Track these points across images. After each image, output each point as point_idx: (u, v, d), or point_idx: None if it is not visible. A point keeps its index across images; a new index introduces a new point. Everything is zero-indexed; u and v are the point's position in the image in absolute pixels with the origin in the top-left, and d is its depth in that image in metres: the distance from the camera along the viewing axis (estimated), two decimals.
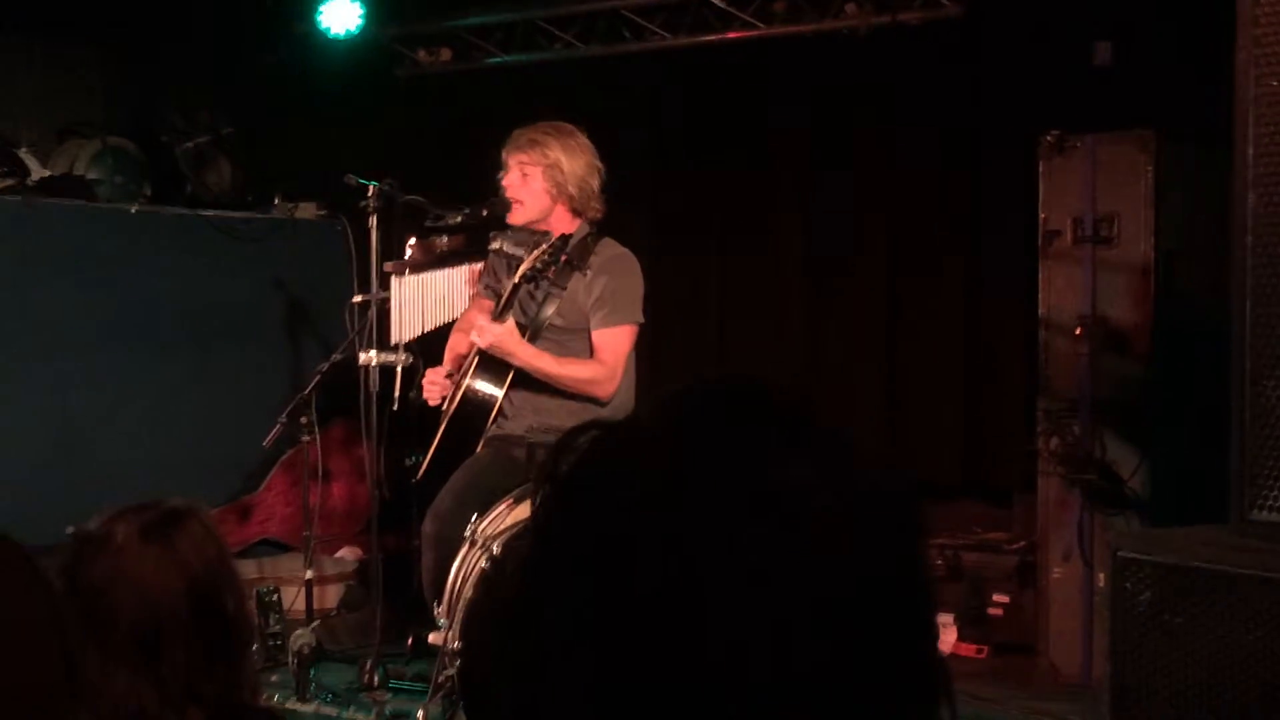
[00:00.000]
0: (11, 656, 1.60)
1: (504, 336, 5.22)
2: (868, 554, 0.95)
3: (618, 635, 0.92)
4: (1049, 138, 6.12)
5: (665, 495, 0.94)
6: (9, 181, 7.20)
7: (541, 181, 5.35)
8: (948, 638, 6.51)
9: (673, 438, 0.98)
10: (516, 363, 5.26)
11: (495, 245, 5.47)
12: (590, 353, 5.33)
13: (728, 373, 1.03)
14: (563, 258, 5.24)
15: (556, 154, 5.34)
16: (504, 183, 5.41)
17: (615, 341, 5.32)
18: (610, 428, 1.02)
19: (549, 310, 5.34)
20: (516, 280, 5.31)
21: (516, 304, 5.42)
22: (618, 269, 5.37)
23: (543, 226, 5.36)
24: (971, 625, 6.54)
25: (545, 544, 0.99)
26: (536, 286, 5.36)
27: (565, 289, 5.33)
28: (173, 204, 7.78)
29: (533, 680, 0.95)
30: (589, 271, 5.30)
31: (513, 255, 5.39)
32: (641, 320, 5.40)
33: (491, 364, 5.34)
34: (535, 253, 5.20)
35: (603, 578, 0.93)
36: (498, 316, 5.36)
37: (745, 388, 1.01)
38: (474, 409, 5.39)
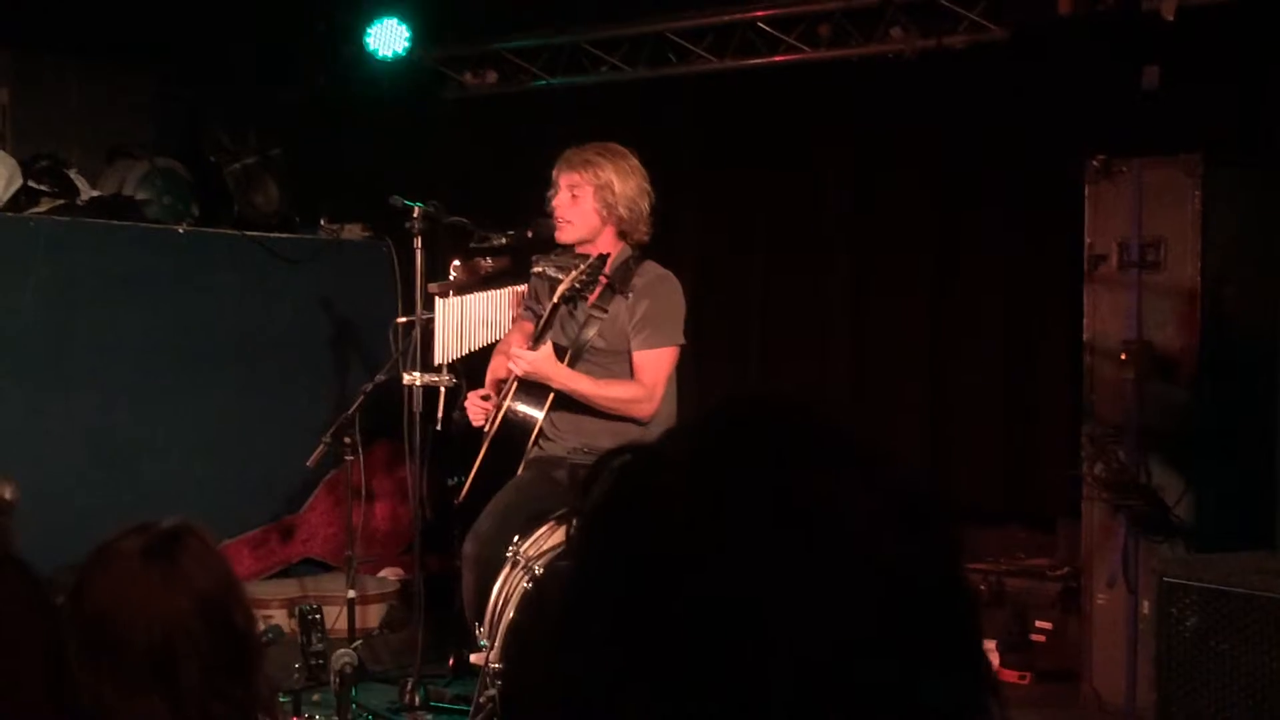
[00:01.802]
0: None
1: (539, 362, 5.22)
2: (915, 566, 0.95)
3: (670, 658, 0.91)
4: (1095, 162, 6.10)
5: (711, 514, 0.94)
6: (59, 201, 7.25)
7: (592, 202, 5.35)
8: (991, 664, 6.47)
9: (715, 456, 0.98)
10: (555, 386, 5.27)
11: (537, 268, 5.48)
12: (632, 374, 5.34)
13: (766, 391, 1.03)
14: (602, 278, 5.25)
15: (609, 175, 5.34)
16: (554, 202, 5.42)
17: (656, 363, 5.32)
18: (647, 449, 1.02)
19: (590, 332, 5.35)
20: (555, 301, 5.32)
21: (557, 325, 5.43)
22: (660, 290, 5.37)
23: (589, 248, 5.36)
24: (1014, 652, 6.50)
25: (587, 568, 0.99)
26: (575, 308, 5.36)
27: (607, 311, 5.33)
28: (220, 225, 7.83)
29: (581, 704, 0.95)
30: (631, 294, 5.30)
31: (554, 278, 5.41)
32: (683, 342, 5.40)
33: (532, 385, 5.35)
34: (573, 273, 5.21)
35: (651, 600, 0.93)
36: (537, 338, 5.37)
37: (785, 406, 1.02)
38: (515, 430, 5.40)
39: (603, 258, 5.26)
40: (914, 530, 0.96)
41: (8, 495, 2.58)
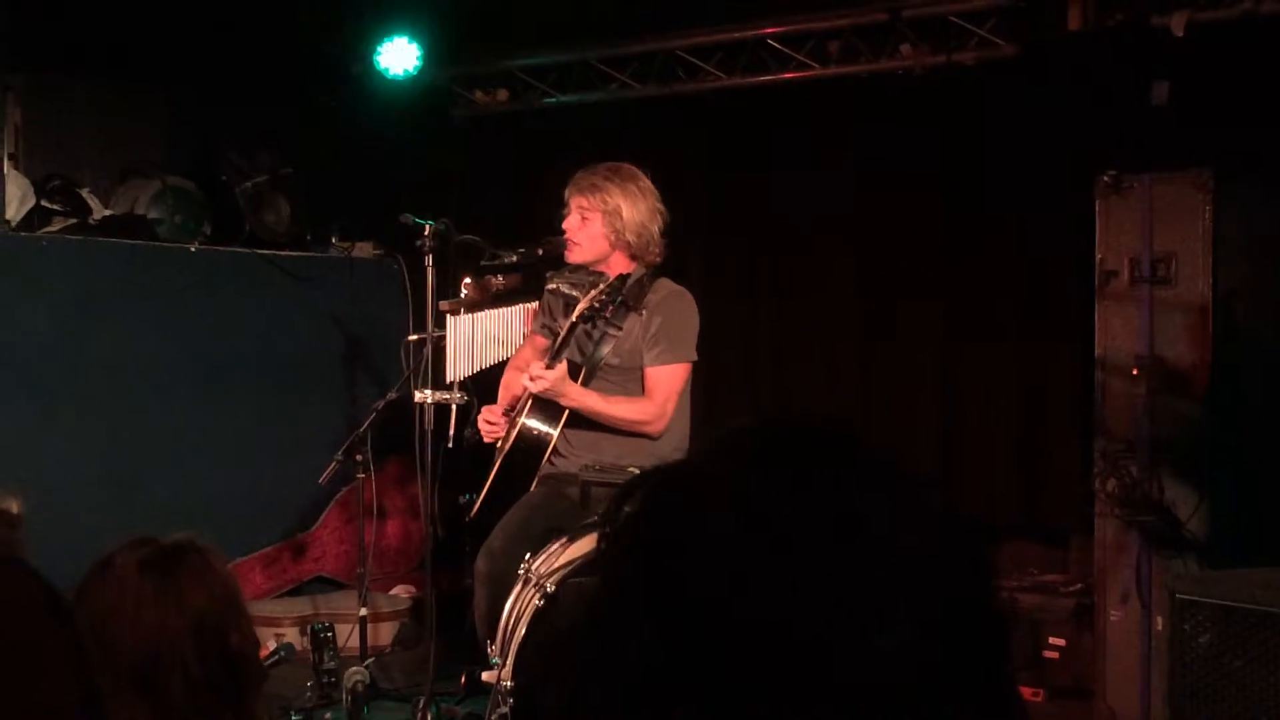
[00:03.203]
0: (27, 684, 1.61)
1: (555, 380, 5.23)
2: (951, 583, 0.95)
3: (710, 676, 0.91)
4: (1105, 177, 6.10)
5: (750, 533, 0.94)
6: (71, 221, 7.27)
7: (600, 227, 5.36)
8: None
9: (752, 477, 0.98)
10: (565, 403, 5.28)
11: (552, 285, 5.48)
12: (644, 390, 5.34)
13: (796, 413, 1.04)
14: (620, 298, 5.26)
15: (617, 200, 5.34)
16: (564, 224, 5.43)
17: (668, 379, 5.32)
18: (680, 469, 1.02)
19: (605, 350, 5.35)
20: (574, 319, 5.32)
21: (573, 343, 5.44)
22: (673, 307, 5.38)
23: (600, 268, 5.37)
24: (1028, 668, 6.47)
25: (623, 589, 0.98)
26: (593, 326, 5.37)
27: (621, 329, 5.34)
28: (232, 243, 7.84)
29: None
30: (645, 311, 5.31)
31: (569, 295, 5.41)
32: (695, 358, 5.41)
33: (546, 403, 5.35)
34: (593, 293, 5.21)
35: (687, 620, 0.92)
36: (554, 357, 5.37)
37: (823, 428, 1.02)
38: (529, 447, 5.41)
39: (623, 278, 5.27)
40: (948, 547, 0.97)
41: (15, 509, 2.57)
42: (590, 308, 5.22)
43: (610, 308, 5.24)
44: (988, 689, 0.96)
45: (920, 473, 1.00)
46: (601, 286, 5.20)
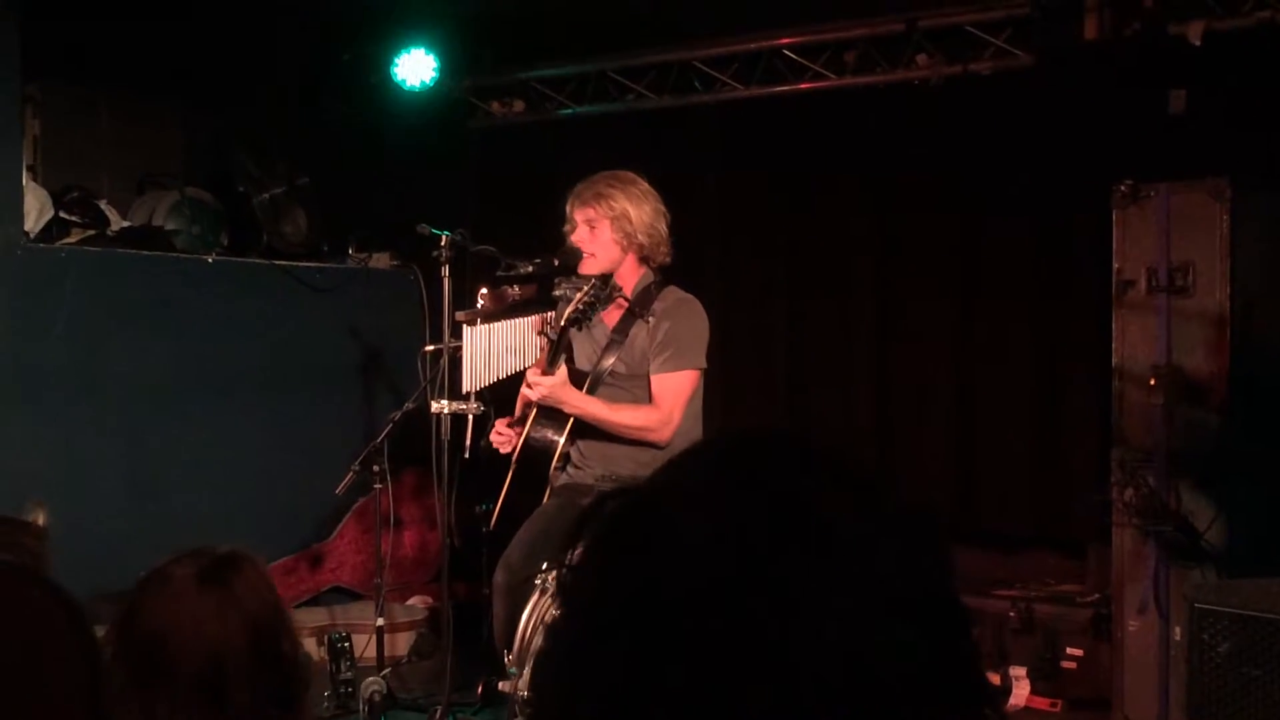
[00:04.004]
0: (36, 698, 1.61)
1: (554, 387, 5.23)
2: (909, 575, 0.98)
3: (686, 682, 0.92)
4: (1123, 187, 6.09)
5: (715, 540, 0.96)
6: (89, 232, 7.30)
7: (610, 233, 5.37)
8: (1021, 691, 6.44)
9: (717, 485, 1.00)
10: (569, 411, 5.28)
11: (558, 292, 5.49)
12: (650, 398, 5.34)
13: (759, 425, 1.06)
14: (621, 302, 5.28)
15: (623, 204, 5.36)
16: (573, 238, 5.44)
17: (674, 386, 5.31)
18: (641, 486, 1.04)
19: (610, 359, 5.36)
20: (563, 324, 5.33)
21: (577, 350, 5.45)
22: (681, 313, 5.38)
23: (615, 277, 5.37)
24: (1045, 679, 6.47)
25: (587, 607, 1.00)
26: (587, 330, 5.39)
27: (627, 336, 5.34)
28: (249, 254, 7.87)
29: None
30: (652, 318, 5.31)
31: (570, 300, 5.43)
32: (703, 366, 5.40)
33: (552, 411, 5.37)
34: (579, 295, 5.23)
35: (659, 628, 0.94)
36: (550, 363, 5.38)
37: (780, 436, 1.05)
38: (536, 454, 5.42)
39: (606, 277, 5.28)
40: (912, 550, 0.99)
41: (40, 520, 2.58)
42: (577, 310, 5.23)
43: (599, 308, 5.27)
44: (953, 678, 0.98)
45: (872, 471, 1.03)
46: (585, 289, 5.22)
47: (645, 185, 5.44)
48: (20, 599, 1.66)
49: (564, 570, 1.03)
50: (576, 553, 1.02)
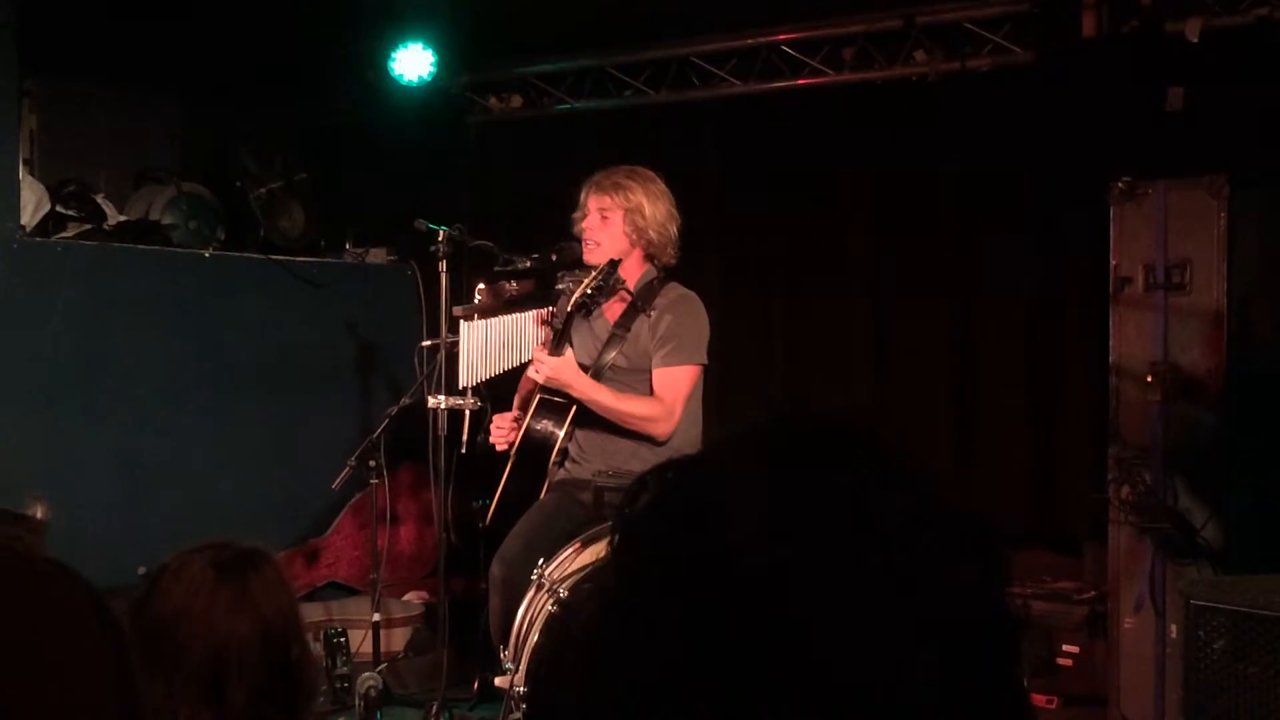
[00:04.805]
0: (67, 693, 1.61)
1: (560, 368, 5.25)
2: (963, 583, 0.95)
3: (729, 674, 0.90)
4: (1120, 184, 6.09)
5: (763, 531, 0.93)
6: (86, 226, 7.29)
7: (621, 225, 5.38)
8: None
9: (765, 474, 0.97)
10: (575, 394, 5.29)
11: (560, 285, 5.50)
12: (652, 393, 5.34)
13: (810, 412, 1.03)
14: (625, 295, 5.29)
15: (639, 198, 5.37)
16: (583, 225, 5.44)
17: (676, 381, 5.32)
18: (687, 467, 1.00)
19: (611, 353, 5.37)
20: (569, 309, 5.33)
21: (579, 342, 5.45)
22: (683, 309, 5.38)
23: (619, 270, 5.37)
24: (1041, 676, 6.47)
25: (634, 583, 0.97)
26: (591, 319, 5.40)
27: (629, 330, 5.35)
28: (246, 249, 7.86)
29: None
30: (653, 312, 5.32)
31: (572, 290, 5.43)
32: (704, 361, 5.40)
33: (552, 405, 5.37)
34: (585, 281, 5.24)
35: (700, 616, 0.91)
36: (555, 346, 5.38)
37: (833, 427, 1.01)
38: (536, 446, 5.42)
39: (613, 263, 5.28)
40: (961, 547, 0.96)
41: (39, 514, 2.57)
42: (584, 295, 5.24)
43: (605, 295, 5.28)
44: (998, 691, 0.95)
45: (932, 472, 1.00)
46: (593, 274, 5.22)
47: (663, 186, 5.47)
48: (39, 583, 1.65)
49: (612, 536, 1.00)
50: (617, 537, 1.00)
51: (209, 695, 2.37)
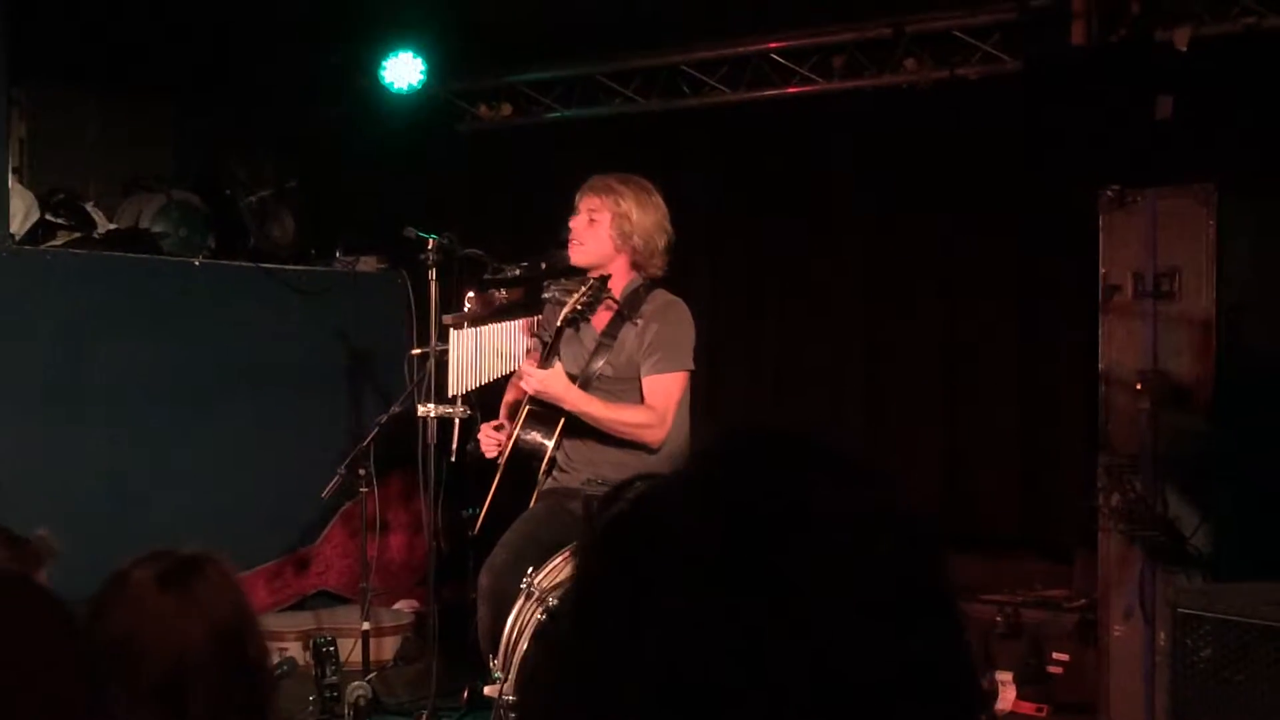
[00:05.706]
0: (35, 699, 1.61)
1: (550, 380, 5.24)
2: (908, 578, 0.98)
3: (687, 677, 0.92)
4: (1109, 192, 6.09)
5: (713, 534, 0.95)
6: (75, 235, 7.29)
7: (608, 228, 5.37)
8: (1008, 696, 6.44)
9: (716, 481, 1.00)
10: (566, 407, 5.27)
11: (548, 294, 5.49)
12: (641, 401, 5.34)
13: (767, 423, 1.05)
14: (611, 304, 5.28)
15: (629, 205, 5.36)
16: (571, 224, 5.44)
17: (665, 388, 5.31)
18: (657, 477, 1.03)
19: (599, 363, 5.36)
20: (559, 324, 5.33)
21: (566, 352, 5.44)
22: (669, 316, 5.38)
23: (601, 272, 5.36)
24: (1031, 684, 6.46)
25: (596, 593, 1.00)
26: (579, 331, 5.39)
27: (616, 339, 5.34)
28: (236, 257, 7.85)
29: None
30: (640, 320, 5.32)
31: (562, 301, 5.42)
32: (692, 368, 5.40)
33: (542, 415, 5.36)
34: (575, 295, 5.23)
35: (663, 623, 0.94)
36: (544, 361, 5.38)
37: (784, 432, 1.04)
38: (525, 456, 5.41)
39: (604, 279, 5.28)
40: (909, 545, 0.99)
41: (46, 544, 2.59)
42: (574, 310, 5.23)
43: (595, 309, 5.26)
44: (945, 681, 0.97)
45: (886, 474, 1.03)
46: (584, 289, 5.22)
47: (658, 198, 5.44)
48: (15, 606, 1.65)
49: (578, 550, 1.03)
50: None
51: (169, 704, 2.35)
